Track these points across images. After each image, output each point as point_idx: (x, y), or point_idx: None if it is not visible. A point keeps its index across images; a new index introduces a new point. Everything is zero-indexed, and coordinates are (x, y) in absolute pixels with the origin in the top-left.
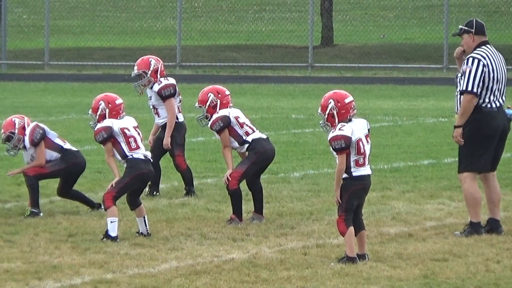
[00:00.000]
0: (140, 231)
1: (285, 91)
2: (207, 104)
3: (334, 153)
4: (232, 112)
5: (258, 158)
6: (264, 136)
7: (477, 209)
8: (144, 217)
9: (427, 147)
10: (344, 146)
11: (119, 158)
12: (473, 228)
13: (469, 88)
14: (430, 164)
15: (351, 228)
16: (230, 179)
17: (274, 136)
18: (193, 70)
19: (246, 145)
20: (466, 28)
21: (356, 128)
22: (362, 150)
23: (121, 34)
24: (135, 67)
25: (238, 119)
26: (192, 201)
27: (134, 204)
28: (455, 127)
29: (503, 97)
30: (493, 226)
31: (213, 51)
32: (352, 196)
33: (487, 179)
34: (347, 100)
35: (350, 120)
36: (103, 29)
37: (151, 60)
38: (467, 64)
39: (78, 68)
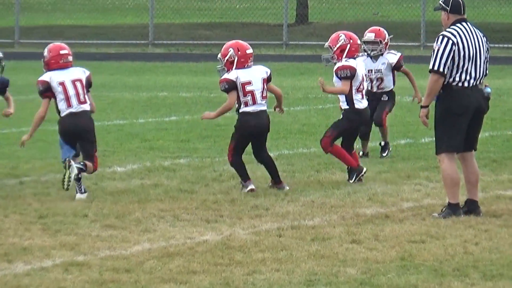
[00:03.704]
0: None
1: None
2: (226, 58)
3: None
4: (242, 77)
5: (241, 133)
6: (255, 110)
7: (455, 190)
8: None
9: (404, 126)
10: (349, 75)
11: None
12: (451, 209)
13: (436, 67)
14: (407, 144)
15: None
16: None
17: None
18: (166, 48)
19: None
20: (442, 5)
21: (359, 65)
22: (362, 86)
23: (93, 12)
24: None
25: (246, 86)
26: (165, 182)
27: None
28: (422, 107)
29: (481, 75)
30: (471, 207)
31: (186, 29)
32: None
33: (465, 159)
34: (359, 41)
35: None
36: (74, 7)
37: None
38: (436, 42)
39: None
